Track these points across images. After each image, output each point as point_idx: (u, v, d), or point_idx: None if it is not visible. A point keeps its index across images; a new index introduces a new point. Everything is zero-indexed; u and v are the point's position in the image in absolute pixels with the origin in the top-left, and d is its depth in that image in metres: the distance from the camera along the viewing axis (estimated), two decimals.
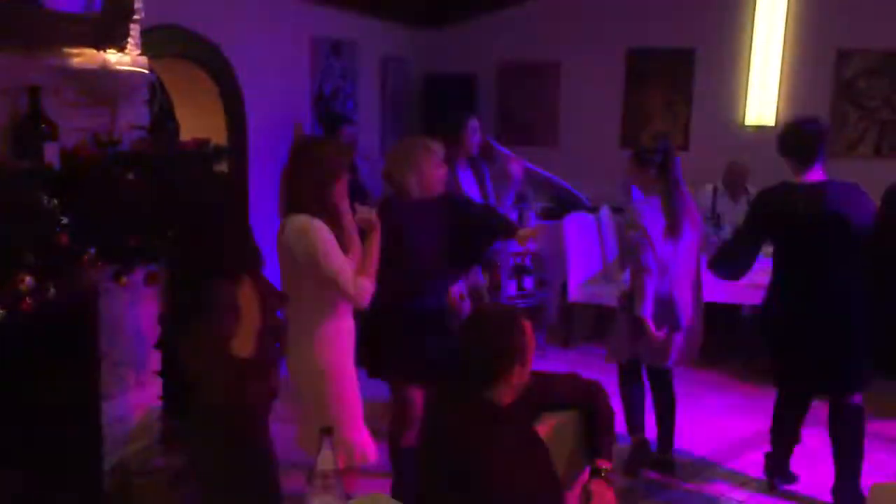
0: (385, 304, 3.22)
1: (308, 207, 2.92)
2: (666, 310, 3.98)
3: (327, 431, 1.96)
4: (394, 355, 3.45)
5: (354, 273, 2.93)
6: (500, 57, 7.75)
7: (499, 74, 7.82)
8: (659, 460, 4.20)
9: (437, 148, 3.55)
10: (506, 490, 2.19)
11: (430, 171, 3.47)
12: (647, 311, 3.91)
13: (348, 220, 3.00)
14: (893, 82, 6.61)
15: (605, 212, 6.63)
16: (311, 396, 3.03)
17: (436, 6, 7.38)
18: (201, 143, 3.38)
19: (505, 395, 2.29)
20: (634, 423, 4.22)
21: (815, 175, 3.64)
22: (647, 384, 4.26)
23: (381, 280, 3.08)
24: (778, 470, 4.02)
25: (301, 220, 2.90)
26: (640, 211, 3.91)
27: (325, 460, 1.94)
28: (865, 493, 3.25)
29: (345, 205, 2.99)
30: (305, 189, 2.94)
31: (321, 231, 2.87)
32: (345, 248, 2.94)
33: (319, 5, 6.22)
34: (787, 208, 3.64)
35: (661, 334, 3.95)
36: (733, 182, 6.36)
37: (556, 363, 5.04)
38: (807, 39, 6.77)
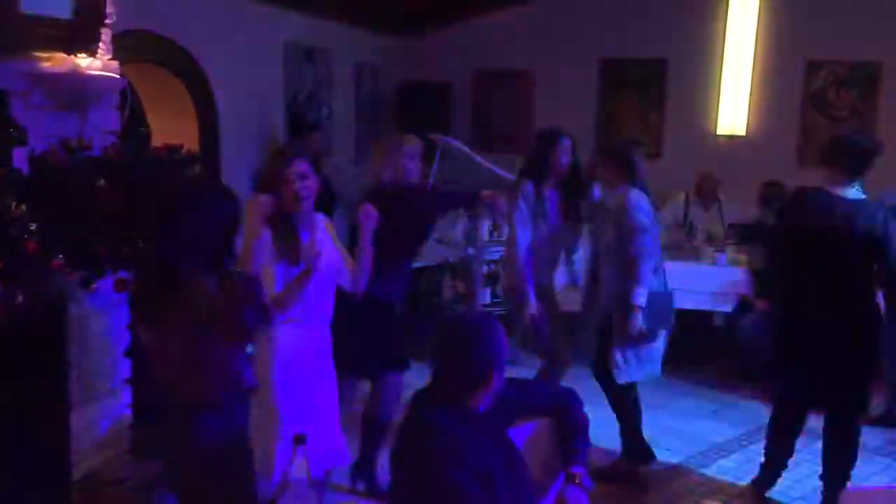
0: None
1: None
2: (664, 308, 3.96)
3: (300, 440, 1.94)
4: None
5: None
6: (476, 65, 7.78)
7: (474, 82, 7.84)
8: (622, 471, 4.16)
9: (409, 142, 3.73)
10: (481, 498, 2.18)
11: (402, 162, 3.64)
12: (641, 299, 3.78)
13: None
14: (861, 93, 6.72)
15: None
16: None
17: (411, 15, 7.39)
18: (173, 149, 3.34)
19: (481, 402, 2.28)
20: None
21: (852, 190, 3.55)
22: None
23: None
24: (767, 483, 3.99)
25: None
26: (639, 198, 3.86)
27: (299, 468, 1.92)
28: None
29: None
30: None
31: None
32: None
33: (293, 12, 6.20)
34: (826, 220, 3.53)
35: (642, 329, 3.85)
36: (705, 191, 6.41)
37: (530, 371, 5.04)
38: (777, 50, 6.86)
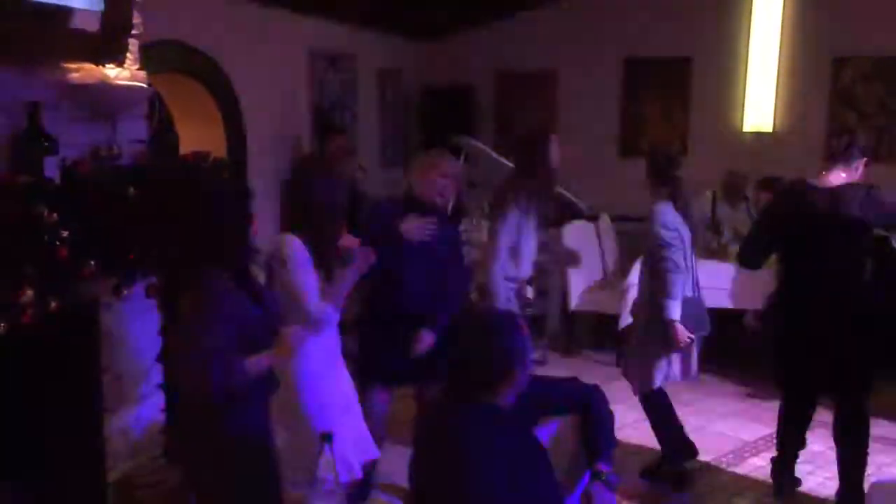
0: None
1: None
2: (697, 313, 4.02)
3: (327, 438, 1.96)
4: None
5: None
6: (498, 67, 7.79)
7: (496, 84, 7.85)
8: (671, 473, 4.18)
9: (435, 161, 3.69)
10: (505, 495, 2.19)
11: (422, 179, 3.63)
12: (676, 313, 3.86)
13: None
14: (888, 87, 6.64)
15: (604, 220, 6.65)
16: None
17: (432, 18, 7.43)
18: (201, 157, 3.40)
19: (505, 398, 2.30)
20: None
21: (835, 177, 3.64)
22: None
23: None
24: (784, 475, 3.99)
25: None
26: (665, 213, 3.92)
27: (326, 466, 1.94)
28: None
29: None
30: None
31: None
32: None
33: (316, 19, 6.26)
34: (803, 209, 3.66)
35: (687, 339, 3.93)
36: (732, 189, 6.38)
37: (559, 372, 5.04)
38: (802, 47, 6.80)
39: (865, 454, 3.72)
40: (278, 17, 5.86)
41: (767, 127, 6.94)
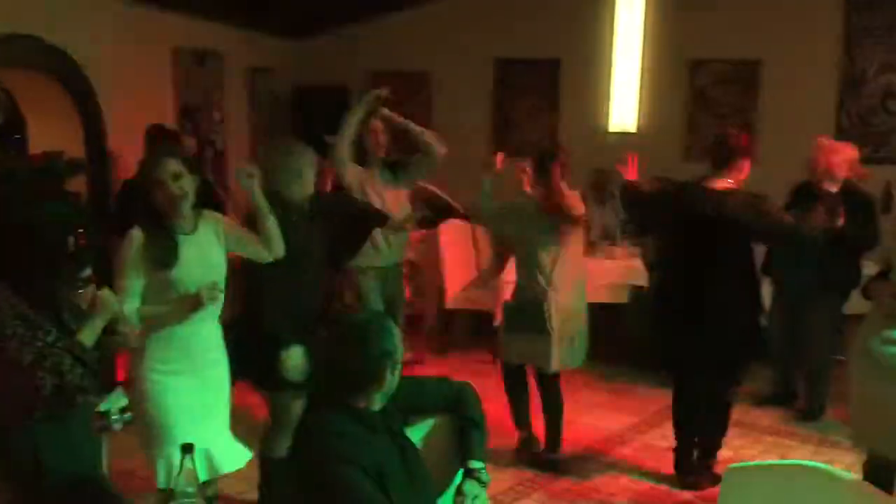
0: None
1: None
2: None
3: (187, 448, 1.90)
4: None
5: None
6: (372, 67, 7.76)
7: (371, 85, 7.79)
8: (547, 460, 4.27)
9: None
10: (375, 498, 2.18)
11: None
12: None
13: None
14: (743, 91, 7.03)
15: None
16: None
17: (305, 17, 7.32)
18: (52, 156, 3.21)
19: (374, 401, 2.29)
20: (519, 420, 4.34)
21: (721, 182, 3.80)
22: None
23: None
24: (684, 463, 4.13)
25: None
26: None
27: (187, 478, 1.88)
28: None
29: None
30: None
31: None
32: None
33: (180, 16, 6.06)
34: (689, 209, 3.81)
35: None
36: (599, 187, 6.59)
37: (436, 371, 5.07)
38: (663, 50, 7.10)
39: (721, 437, 3.99)
40: (140, 12, 5.64)
41: (631, 127, 7.20)
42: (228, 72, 6.79)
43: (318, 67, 7.78)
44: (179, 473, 1.89)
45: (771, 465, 2.59)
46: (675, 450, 4.13)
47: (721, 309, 3.80)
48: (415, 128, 4.70)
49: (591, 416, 5.02)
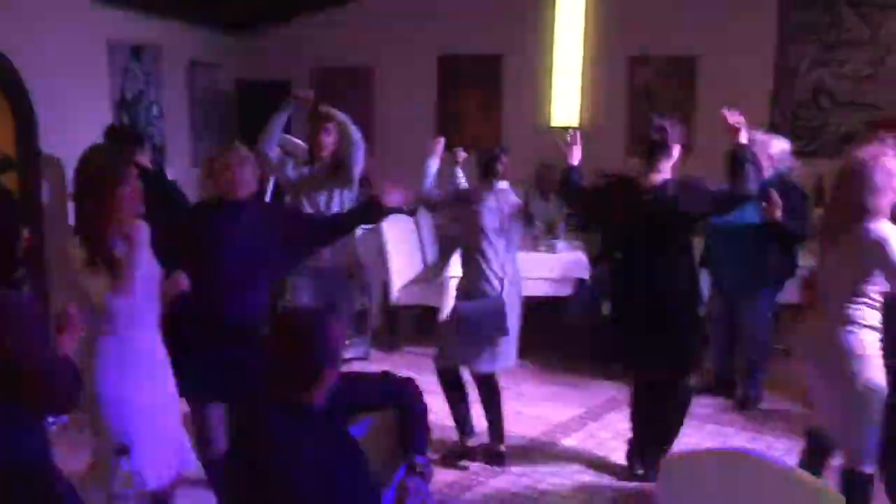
0: (188, 314, 3.12)
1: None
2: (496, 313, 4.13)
3: (124, 451, 1.86)
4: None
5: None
6: (316, 62, 7.71)
7: (314, 79, 7.76)
8: (490, 451, 4.30)
9: (238, 151, 3.49)
10: (317, 495, 2.17)
11: (223, 173, 3.39)
12: None
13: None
14: (681, 86, 7.16)
15: (423, 214, 6.73)
16: None
17: (247, 11, 7.23)
18: None
19: (316, 398, 2.27)
20: (465, 427, 4.33)
21: (656, 175, 3.81)
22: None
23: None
24: (638, 455, 4.15)
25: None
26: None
27: (123, 480, 1.85)
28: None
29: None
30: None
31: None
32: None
33: (117, 8, 5.92)
34: (631, 203, 3.84)
35: None
36: (544, 182, 6.64)
37: (382, 367, 5.07)
38: (603, 46, 7.20)
39: (673, 434, 4.03)
40: (74, 5, 5.50)
41: (574, 122, 7.29)
42: (168, 66, 6.67)
43: (261, 62, 7.69)
44: (117, 476, 1.85)
45: (708, 453, 2.65)
46: (630, 441, 4.18)
47: (673, 301, 3.85)
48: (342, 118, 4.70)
49: (537, 408, 5.06)
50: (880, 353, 3.06)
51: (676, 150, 3.87)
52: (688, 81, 7.13)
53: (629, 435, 4.23)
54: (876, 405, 3.02)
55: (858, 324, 3.04)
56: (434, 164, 4.47)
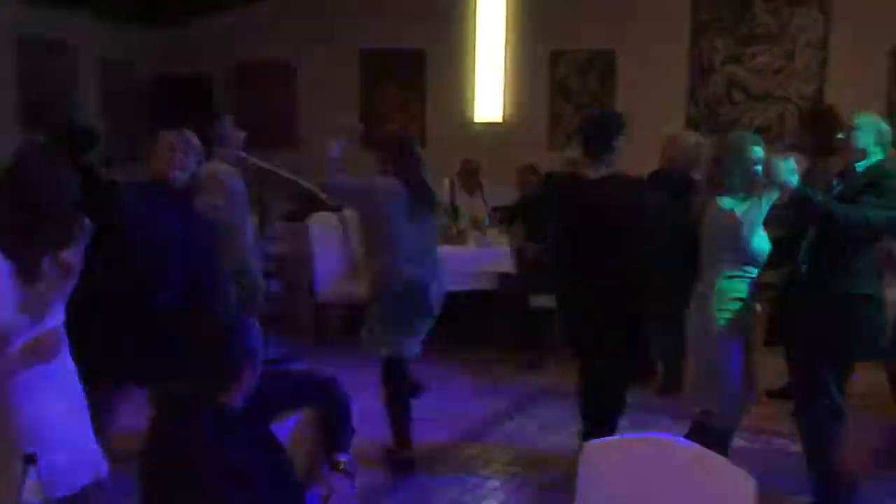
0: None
1: None
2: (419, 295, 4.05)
3: (31, 459, 1.80)
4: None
5: None
6: (236, 56, 7.59)
7: (235, 74, 7.65)
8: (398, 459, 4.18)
9: (168, 138, 3.41)
10: (242, 496, 2.14)
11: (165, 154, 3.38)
12: None
13: None
14: (600, 79, 7.29)
15: (349, 211, 6.69)
16: None
17: (162, 5, 7.06)
18: None
19: (234, 399, 2.24)
20: (408, 436, 4.17)
21: (594, 171, 3.78)
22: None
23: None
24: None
25: None
26: None
27: (31, 489, 1.79)
28: None
29: None
30: None
31: None
32: None
33: (26, 3, 5.72)
34: (580, 199, 3.81)
35: None
36: (468, 176, 6.68)
37: (308, 365, 5.01)
38: (524, 41, 7.28)
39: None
40: None
41: (497, 117, 7.36)
42: (82, 63, 6.47)
43: (181, 57, 7.52)
44: (25, 486, 1.79)
45: (626, 440, 2.71)
46: (583, 434, 4.15)
47: (620, 294, 3.83)
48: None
49: (462, 404, 5.08)
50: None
51: (619, 144, 3.82)
52: (607, 76, 7.26)
53: (561, 426, 4.27)
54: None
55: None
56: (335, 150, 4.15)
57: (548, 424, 4.54)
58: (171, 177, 3.44)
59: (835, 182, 3.40)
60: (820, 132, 4.05)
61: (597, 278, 3.83)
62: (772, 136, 6.67)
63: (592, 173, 3.81)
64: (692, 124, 6.60)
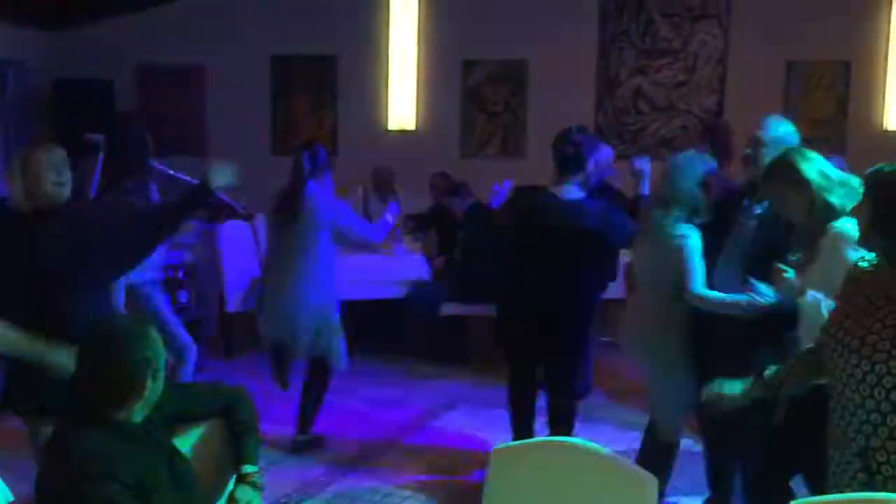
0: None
1: None
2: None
3: None
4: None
5: None
6: (140, 60, 7.38)
7: (139, 79, 7.43)
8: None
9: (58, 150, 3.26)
10: None
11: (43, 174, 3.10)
12: None
13: None
14: (512, 88, 7.39)
15: (260, 219, 6.58)
16: None
17: (63, 6, 6.80)
18: None
19: (137, 411, 2.17)
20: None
21: (568, 190, 3.72)
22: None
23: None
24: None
25: None
26: None
27: None
28: None
29: None
30: None
31: None
32: None
33: None
34: (539, 220, 3.75)
35: None
36: (381, 184, 6.67)
37: (219, 376, 4.89)
38: (437, 49, 7.32)
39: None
40: None
41: (410, 125, 7.37)
42: None
43: (80, 60, 7.26)
44: None
45: (535, 443, 2.74)
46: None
47: (565, 306, 3.85)
48: None
49: (379, 410, 5.07)
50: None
51: (593, 162, 3.82)
52: (519, 85, 7.37)
53: (471, 433, 4.30)
54: None
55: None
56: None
57: (462, 431, 4.56)
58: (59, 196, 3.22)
59: (745, 201, 3.28)
60: (715, 142, 4.18)
61: (541, 291, 3.80)
62: (676, 147, 6.89)
63: (562, 192, 3.73)
64: (601, 134, 6.75)
